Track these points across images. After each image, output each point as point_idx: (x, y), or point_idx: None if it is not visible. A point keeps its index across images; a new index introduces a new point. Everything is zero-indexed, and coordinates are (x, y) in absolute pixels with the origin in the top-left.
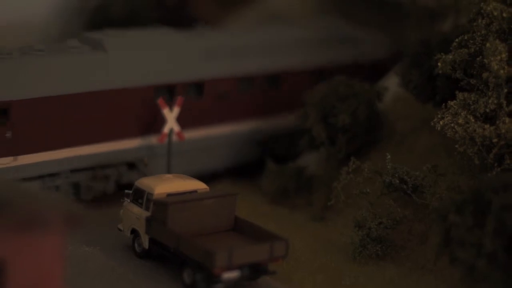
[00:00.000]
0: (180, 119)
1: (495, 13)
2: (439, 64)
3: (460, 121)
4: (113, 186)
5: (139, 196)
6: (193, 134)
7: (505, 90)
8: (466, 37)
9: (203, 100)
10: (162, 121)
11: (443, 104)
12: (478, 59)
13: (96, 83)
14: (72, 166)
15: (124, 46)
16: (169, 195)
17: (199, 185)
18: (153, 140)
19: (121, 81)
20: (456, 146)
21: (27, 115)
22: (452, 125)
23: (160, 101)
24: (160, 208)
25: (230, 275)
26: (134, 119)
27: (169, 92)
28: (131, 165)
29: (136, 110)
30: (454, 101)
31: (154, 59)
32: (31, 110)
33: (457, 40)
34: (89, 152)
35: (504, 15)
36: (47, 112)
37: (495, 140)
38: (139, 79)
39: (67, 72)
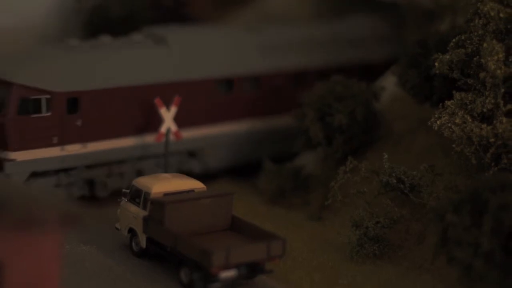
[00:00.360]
0: (236, 111)
1: (492, 14)
2: (436, 64)
3: (457, 120)
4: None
5: (137, 196)
6: (248, 125)
7: (502, 90)
8: (463, 37)
9: (259, 93)
10: (220, 112)
11: (440, 104)
12: (475, 59)
13: (159, 75)
14: (137, 154)
15: (186, 41)
16: (166, 194)
17: (196, 185)
18: (212, 130)
19: (182, 74)
20: (453, 145)
21: (95, 105)
22: (449, 124)
23: (157, 100)
24: (158, 207)
25: (227, 274)
26: (194, 110)
27: (228, 85)
28: (192, 154)
29: (196, 102)
30: (451, 101)
31: (213, 54)
32: (99, 100)
33: (454, 40)
34: (152, 141)
35: (501, 15)
36: (113, 102)
37: (492, 140)
38: (199, 72)
39: (132, 65)
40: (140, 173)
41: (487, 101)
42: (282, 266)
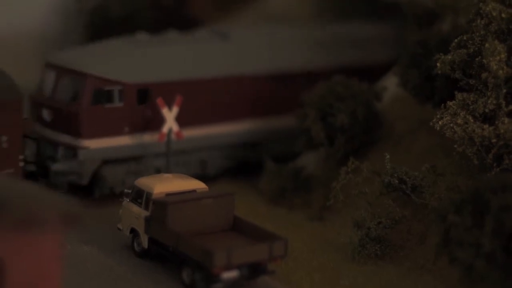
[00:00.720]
0: (293, 104)
1: (494, 14)
2: (438, 64)
3: (459, 121)
4: (236, 164)
5: (139, 196)
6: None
7: (504, 91)
8: (465, 38)
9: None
10: (279, 105)
11: (442, 104)
12: (477, 59)
13: (223, 70)
14: (202, 144)
15: (248, 38)
16: (168, 194)
17: (198, 185)
18: (271, 122)
19: (242, 69)
20: (455, 146)
21: (164, 96)
22: (451, 125)
23: (159, 101)
24: (160, 207)
25: (229, 274)
26: (257, 103)
27: (285, 80)
28: (254, 145)
29: (258, 95)
30: (453, 101)
31: (271, 50)
32: (167, 92)
33: (456, 40)
34: (217, 131)
35: (503, 15)
36: (180, 94)
37: (494, 140)
38: (257, 67)
39: (197, 59)
40: (203, 163)
41: (489, 101)
42: (284, 267)
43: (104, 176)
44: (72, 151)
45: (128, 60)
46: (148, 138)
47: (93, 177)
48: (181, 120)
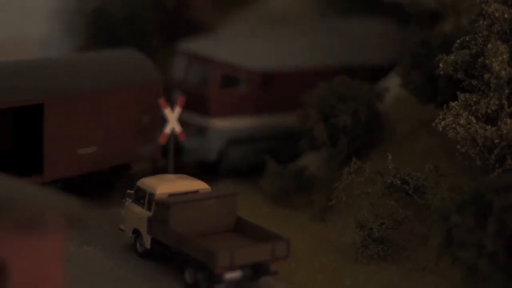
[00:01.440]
0: None
1: (497, 14)
2: (440, 65)
3: (462, 122)
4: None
5: (141, 196)
6: None
7: (507, 91)
8: (467, 38)
9: None
10: None
11: (445, 105)
12: (479, 60)
13: (333, 60)
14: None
15: (326, 32)
16: (170, 195)
17: (200, 185)
18: None
19: (351, 59)
20: (458, 147)
21: (283, 84)
22: (454, 126)
23: (161, 101)
24: (162, 208)
25: (232, 275)
26: None
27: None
28: None
29: None
30: (456, 102)
31: (383, 42)
32: (286, 80)
33: (458, 41)
34: None
35: (506, 16)
36: (297, 81)
37: (496, 141)
38: (367, 58)
39: (312, 50)
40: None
41: (491, 102)
42: (286, 267)
43: (228, 154)
44: (202, 130)
45: (253, 49)
46: (267, 121)
47: (220, 155)
48: (278, 105)
